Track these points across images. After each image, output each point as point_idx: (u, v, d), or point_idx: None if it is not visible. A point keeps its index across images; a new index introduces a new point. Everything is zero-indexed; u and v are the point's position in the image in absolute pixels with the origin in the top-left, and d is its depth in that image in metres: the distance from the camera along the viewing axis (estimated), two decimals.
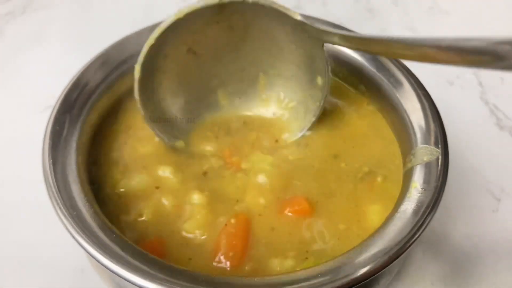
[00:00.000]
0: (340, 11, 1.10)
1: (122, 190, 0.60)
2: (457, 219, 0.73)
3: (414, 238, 0.49)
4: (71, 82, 0.63)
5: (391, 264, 0.49)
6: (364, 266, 0.48)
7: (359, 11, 1.11)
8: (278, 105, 0.69)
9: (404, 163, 0.61)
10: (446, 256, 0.69)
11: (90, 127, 0.62)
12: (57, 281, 0.66)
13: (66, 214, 0.50)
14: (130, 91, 0.62)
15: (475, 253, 0.70)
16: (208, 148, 0.66)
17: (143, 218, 0.58)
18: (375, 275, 0.48)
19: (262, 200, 0.59)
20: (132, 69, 0.60)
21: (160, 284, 0.46)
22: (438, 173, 0.55)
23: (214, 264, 0.54)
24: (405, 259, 0.68)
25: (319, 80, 0.64)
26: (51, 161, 0.55)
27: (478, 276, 0.68)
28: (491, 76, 0.95)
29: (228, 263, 0.54)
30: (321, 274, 0.48)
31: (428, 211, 0.51)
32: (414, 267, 0.68)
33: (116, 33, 0.72)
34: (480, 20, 1.08)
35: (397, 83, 0.65)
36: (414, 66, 0.67)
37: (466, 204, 0.75)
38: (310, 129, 0.67)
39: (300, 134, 0.67)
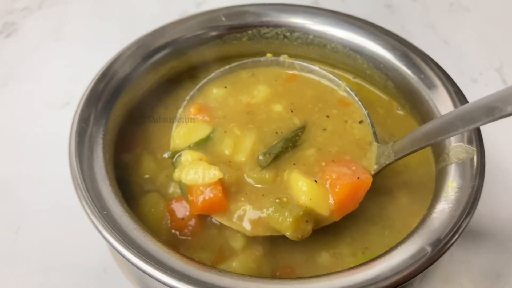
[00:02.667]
0: (358, 7, 1.09)
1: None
2: (486, 220, 0.72)
3: (454, 238, 0.48)
4: (96, 77, 0.62)
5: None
6: (401, 270, 0.47)
7: (378, 7, 1.09)
8: None
9: (437, 162, 0.59)
10: (475, 258, 0.68)
11: (116, 123, 0.61)
12: (80, 280, 0.65)
13: (96, 213, 0.49)
14: (156, 85, 0.61)
15: (504, 254, 0.69)
16: None
17: None
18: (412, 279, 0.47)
19: None
20: (159, 62, 0.61)
21: (194, 285, 0.46)
22: (475, 172, 0.54)
23: None
24: None
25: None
26: (78, 159, 0.54)
27: (507, 277, 0.67)
28: None
29: None
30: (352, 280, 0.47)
31: (467, 211, 0.50)
32: (443, 267, 0.67)
33: (134, 28, 0.71)
34: (502, 17, 1.06)
35: (428, 80, 0.64)
36: None
37: (495, 205, 0.73)
38: None
39: None
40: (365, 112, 0.62)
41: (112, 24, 1.00)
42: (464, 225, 0.49)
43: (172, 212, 0.59)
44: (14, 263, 0.67)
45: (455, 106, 0.61)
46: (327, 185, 0.54)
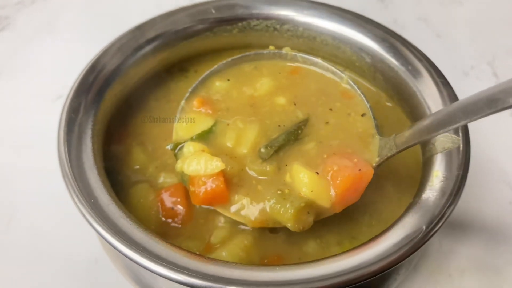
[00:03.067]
0: (351, 1, 1.09)
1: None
2: (474, 211, 0.72)
3: (438, 226, 0.49)
4: (86, 68, 0.62)
5: (413, 254, 0.48)
6: (385, 257, 0.47)
7: (371, 1, 1.09)
8: None
9: (423, 152, 0.60)
10: (463, 248, 0.69)
11: (106, 114, 0.62)
12: (71, 271, 0.66)
13: (83, 201, 0.50)
14: (146, 77, 0.62)
15: (492, 244, 0.69)
16: None
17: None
18: (397, 265, 0.47)
19: None
20: (149, 54, 0.62)
21: (179, 272, 0.46)
22: (460, 161, 0.54)
23: None
24: (424, 249, 0.67)
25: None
26: (66, 149, 0.55)
27: (495, 268, 0.67)
28: (506, 67, 0.94)
29: None
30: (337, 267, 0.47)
31: (451, 199, 0.51)
32: (431, 258, 0.67)
33: (127, 22, 0.71)
34: (494, 11, 1.06)
35: (415, 71, 0.64)
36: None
37: (483, 196, 0.74)
38: None
39: None
40: (368, 105, 0.62)
41: (106, 18, 1.00)
42: (447, 214, 0.50)
43: (162, 202, 0.60)
44: (6, 254, 0.68)
45: (442, 97, 0.61)
46: (329, 177, 0.54)
